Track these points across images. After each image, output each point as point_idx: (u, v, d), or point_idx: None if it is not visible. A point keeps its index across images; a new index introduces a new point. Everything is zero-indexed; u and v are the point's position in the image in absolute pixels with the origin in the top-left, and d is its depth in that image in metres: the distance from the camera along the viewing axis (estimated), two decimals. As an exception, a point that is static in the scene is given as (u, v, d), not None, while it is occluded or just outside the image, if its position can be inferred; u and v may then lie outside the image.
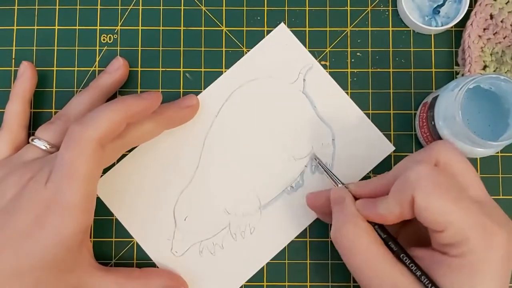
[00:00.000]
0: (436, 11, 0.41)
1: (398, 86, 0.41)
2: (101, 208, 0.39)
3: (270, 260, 0.39)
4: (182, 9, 0.42)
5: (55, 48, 0.41)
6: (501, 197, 0.40)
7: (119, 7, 0.42)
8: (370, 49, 0.41)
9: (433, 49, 0.41)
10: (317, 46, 0.41)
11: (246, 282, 0.39)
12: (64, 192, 0.31)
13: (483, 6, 0.40)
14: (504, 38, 0.40)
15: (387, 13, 0.42)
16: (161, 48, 0.41)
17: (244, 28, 0.41)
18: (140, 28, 0.41)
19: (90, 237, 0.39)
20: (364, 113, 0.41)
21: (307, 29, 0.41)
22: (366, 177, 0.40)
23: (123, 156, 0.40)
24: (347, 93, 0.41)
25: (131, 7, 0.42)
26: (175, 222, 0.40)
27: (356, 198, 0.34)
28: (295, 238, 0.40)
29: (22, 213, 0.32)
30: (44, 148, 0.36)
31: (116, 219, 0.40)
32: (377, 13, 0.42)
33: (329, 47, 0.41)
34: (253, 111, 0.40)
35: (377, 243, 0.31)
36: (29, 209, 0.32)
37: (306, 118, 0.40)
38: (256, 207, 0.40)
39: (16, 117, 0.38)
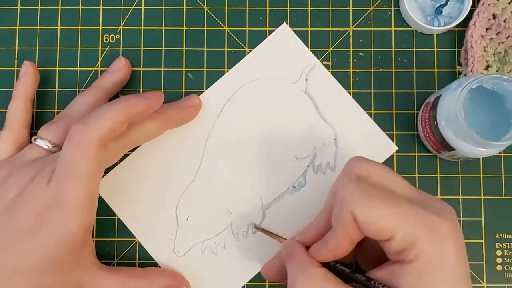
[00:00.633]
0: (438, 11, 0.41)
1: (401, 86, 0.41)
2: (103, 208, 0.40)
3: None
4: (184, 9, 0.42)
5: (58, 48, 0.41)
6: (503, 197, 0.40)
7: (122, 7, 0.42)
8: (372, 49, 0.41)
9: (435, 49, 0.41)
10: (319, 46, 0.41)
11: (248, 282, 0.39)
12: (66, 192, 0.32)
13: (486, 5, 0.40)
14: (507, 38, 0.40)
15: (389, 13, 0.42)
16: (163, 48, 0.41)
17: (246, 28, 0.41)
18: (142, 28, 0.42)
19: (93, 237, 0.39)
20: (367, 113, 0.41)
21: (309, 29, 0.41)
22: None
23: (125, 155, 0.40)
24: (349, 93, 0.41)
25: (133, 7, 0.42)
26: (177, 222, 0.40)
27: (308, 247, 0.33)
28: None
29: (25, 212, 0.32)
30: (46, 147, 0.36)
31: (118, 219, 0.40)
32: (380, 13, 0.42)
33: (331, 47, 0.41)
34: (255, 111, 0.40)
35: (334, 284, 0.30)
36: (32, 208, 0.32)
37: (308, 118, 0.40)
38: (258, 207, 0.40)
39: (19, 117, 0.38)
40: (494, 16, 0.40)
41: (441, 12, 0.41)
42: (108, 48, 0.41)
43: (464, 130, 0.33)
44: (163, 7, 0.42)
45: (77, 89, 0.41)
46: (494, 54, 0.40)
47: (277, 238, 0.37)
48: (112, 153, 0.36)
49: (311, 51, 0.41)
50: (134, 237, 0.40)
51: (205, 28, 0.42)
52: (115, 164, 0.40)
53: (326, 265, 0.31)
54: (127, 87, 0.41)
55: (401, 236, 0.28)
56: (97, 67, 0.41)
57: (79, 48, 0.41)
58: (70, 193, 0.32)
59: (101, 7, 0.42)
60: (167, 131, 0.39)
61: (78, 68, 0.41)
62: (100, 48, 0.41)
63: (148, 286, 0.36)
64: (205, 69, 0.41)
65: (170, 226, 0.39)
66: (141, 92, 0.41)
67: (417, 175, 0.40)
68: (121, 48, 0.41)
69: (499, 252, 0.40)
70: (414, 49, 0.41)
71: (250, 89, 0.41)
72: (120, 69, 0.39)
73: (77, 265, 0.34)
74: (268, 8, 0.42)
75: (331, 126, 0.40)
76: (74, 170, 0.32)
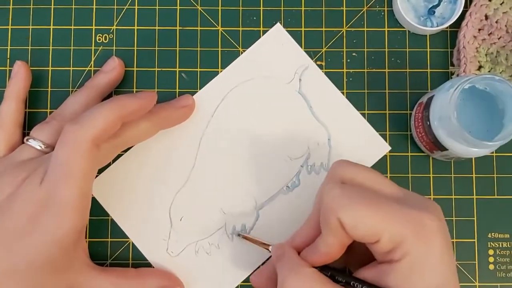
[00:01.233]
0: (431, 11, 0.41)
1: (394, 86, 0.41)
2: (96, 208, 0.39)
3: (266, 260, 0.39)
4: (178, 9, 0.42)
5: (50, 47, 0.41)
6: (496, 197, 0.40)
7: (115, 6, 0.41)
8: (365, 49, 0.41)
9: (428, 50, 0.41)
10: (313, 46, 0.41)
11: (241, 282, 0.39)
12: (59, 192, 0.31)
13: (478, 6, 0.40)
14: (498, 38, 0.40)
15: (382, 13, 0.42)
16: (157, 48, 0.41)
17: (240, 28, 0.41)
18: (135, 28, 0.41)
19: (86, 237, 0.39)
20: (360, 113, 0.41)
21: (303, 29, 0.41)
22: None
23: (119, 156, 0.40)
24: (343, 93, 0.41)
25: (126, 6, 0.42)
26: (170, 222, 0.39)
27: (299, 252, 0.33)
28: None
29: (17, 212, 0.32)
30: (39, 148, 0.35)
31: (112, 219, 0.40)
32: (373, 13, 0.42)
33: (325, 47, 0.41)
34: (249, 111, 0.40)
35: (322, 284, 0.30)
36: (24, 208, 0.32)
37: (302, 118, 0.40)
38: (252, 207, 0.40)
39: (11, 117, 0.37)
40: (487, 17, 0.40)
41: (434, 12, 0.41)
42: (101, 48, 0.41)
43: (457, 130, 0.33)
44: (157, 7, 0.42)
45: (70, 89, 0.41)
46: (486, 55, 0.40)
47: (262, 245, 0.37)
48: (105, 153, 0.35)
49: (305, 51, 0.41)
50: (128, 238, 0.40)
51: (199, 28, 0.41)
52: (109, 164, 0.40)
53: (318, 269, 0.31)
54: (121, 87, 0.41)
55: (387, 236, 0.28)
56: (90, 67, 0.41)
57: (72, 47, 0.41)
58: (63, 193, 0.31)
59: (94, 6, 0.41)
60: (161, 131, 0.39)
61: (71, 68, 0.41)
62: (93, 48, 0.41)
63: (142, 287, 0.36)
64: (198, 69, 0.41)
65: (164, 226, 0.39)
66: (134, 92, 0.41)
67: (410, 175, 0.40)
68: (114, 48, 0.41)
69: (491, 252, 0.40)
70: (407, 50, 0.41)
71: (244, 89, 0.41)
72: (113, 69, 0.39)
73: (69, 266, 0.33)
74: (261, 8, 0.42)
75: (325, 126, 0.40)
76: (66, 171, 0.31)
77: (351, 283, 0.30)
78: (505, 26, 0.40)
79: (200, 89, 0.41)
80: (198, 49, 0.41)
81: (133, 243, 0.39)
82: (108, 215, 0.40)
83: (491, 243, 0.40)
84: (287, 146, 0.40)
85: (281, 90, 0.41)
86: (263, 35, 0.41)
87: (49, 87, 0.41)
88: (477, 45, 0.40)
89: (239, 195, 0.40)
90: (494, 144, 0.33)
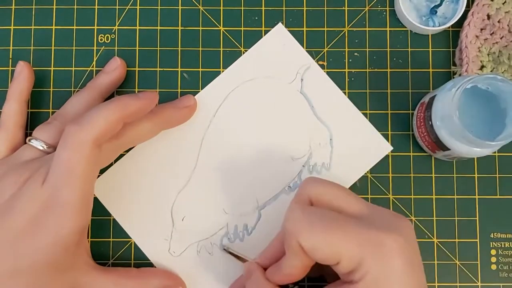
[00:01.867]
0: (433, 11, 0.41)
1: (396, 86, 0.41)
2: (98, 208, 0.39)
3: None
4: (179, 9, 0.42)
5: (53, 48, 0.41)
6: (498, 197, 0.40)
7: (117, 7, 0.42)
8: (367, 49, 0.41)
9: (430, 49, 0.41)
10: (315, 46, 0.41)
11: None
12: (61, 192, 0.31)
13: (480, 6, 0.40)
14: (501, 38, 0.40)
15: (384, 13, 0.42)
16: (158, 48, 0.41)
17: (242, 28, 0.41)
18: (137, 28, 0.41)
19: (88, 237, 0.39)
20: (362, 113, 0.41)
21: (304, 29, 0.41)
22: (363, 177, 0.40)
23: (121, 156, 0.40)
24: (344, 93, 0.41)
25: (128, 7, 0.42)
26: (172, 222, 0.39)
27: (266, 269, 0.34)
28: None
29: (19, 213, 0.32)
30: (41, 148, 0.36)
31: (114, 219, 0.40)
32: (375, 13, 0.42)
33: (326, 47, 0.41)
34: (251, 111, 0.40)
35: None
36: (26, 209, 0.32)
37: (304, 118, 0.40)
38: (253, 207, 0.40)
39: (13, 117, 0.38)
40: (489, 17, 0.40)
41: (436, 12, 0.41)
42: (103, 48, 0.41)
43: (459, 130, 0.33)
44: (158, 7, 0.42)
45: (72, 89, 0.41)
46: (488, 54, 0.40)
47: (241, 259, 0.37)
48: (107, 154, 0.35)
49: (307, 51, 0.41)
50: (130, 238, 0.40)
51: (201, 28, 0.41)
52: (111, 165, 0.40)
53: (285, 286, 0.32)
54: (122, 87, 0.41)
55: (347, 259, 0.28)
56: (92, 67, 0.41)
57: (74, 48, 0.41)
58: (65, 194, 0.31)
59: (96, 7, 0.41)
60: (163, 131, 0.39)
61: (73, 68, 0.41)
62: (95, 48, 0.41)
63: (144, 287, 0.36)
64: (200, 69, 0.41)
65: (166, 226, 0.39)
66: (136, 92, 0.41)
67: (412, 175, 0.40)
68: (116, 48, 0.41)
69: (493, 252, 0.40)
70: (409, 49, 0.41)
71: (246, 89, 0.41)
72: (115, 69, 0.39)
73: (72, 266, 0.33)
74: (263, 8, 0.42)
75: (327, 126, 0.40)
76: (68, 171, 0.32)
77: None
78: (507, 25, 0.40)
79: (202, 89, 0.41)
80: (200, 49, 0.41)
81: (135, 243, 0.40)
82: (110, 215, 0.40)
83: (494, 243, 0.40)
84: (289, 146, 0.40)
85: (283, 90, 0.41)
86: (264, 35, 0.41)
87: (51, 87, 0.41)
88: (479, 44, 0.40)
89: (241, 195, 0.40)
90: (496, 144, 0.33)
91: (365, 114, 0.41)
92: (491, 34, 0.40)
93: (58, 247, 0.32)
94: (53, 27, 0.41)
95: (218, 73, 0.41)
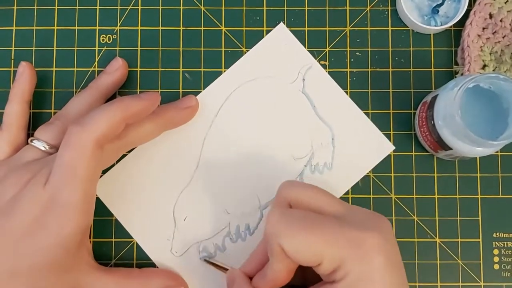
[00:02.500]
0: (435, 10, 0.41)
1: (398, 86, 0.41)
2: (100, 208, 0.39)
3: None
4: (181, 9, 0.42)
5: (54, 48, 0.41)
6: (500, 196, 0.40)
7: (118, 7, 0.42)
8: (369, 49, 0.41)
9: (432, 49, 0.41)
10: (317, 46, 0.41)
11: (246, 282, 0.39)
12: (63, 193, 0.31)
13: (482, 5, 0.40)
14: (503, 37, 0.40)
15: (386, 12, 0.42)
16: (160, 48, 0.41)
17: (244, 28, 0.41)
18: (139, 28, 0.41)
19: (90, 238, 0.39)
20: (364, 112, 0.41)
21: (306, 28, 0.41)
22: (366, 177, 0.40)
23: (123, 156, 0.40)
24: (346, 92, 0.41)
25: (130, 7, 0.42)
26: (174, 222, 0.39)
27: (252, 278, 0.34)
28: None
29: (21, 214, 0.32)
30: (43, 149, 0.36)
31: (116, 220, 0.40)
32: (377, 12, 0.42)
33: (328, 46, 0.41)
34: (253, 111, 0.40)
35: None
36: (28, 210, 0.32)
37: (306, 118, 0.40)
38: (256, 207, 0.40)
39: (16, 118, 0.38)
40: (491, 16, 0.40)
41: (438, 11, 0.41)
42: (104, 48, 0.41)
43: (461, 130, 0.33)
44: (160, 7, 0.42)
45: (74, 90, 0.41)
46: (490, 54, 0.40)
47: (221, 269, 0.37)
48: (109, 155, 0.35)
49: (308, 50, 0.41)
50: (132, 238, 0.40)
51: (202, 28, 0.41)
52: (113, 165, 0.40)
53: None
54: (124, 88, 0.41)
55: (328, 259, 0.29)
56: (94, 67, 0.41)
57: (75, 48, 0.41)
58: (67, 195, 0.31)
59: (97, 7, 0.41)
60: (164, 132, 0.39)
61: (75, 69, 0.41)
62: (96, 48, 0.41)
63: (145, 287, 0.36)
64: (202, 69, 0.41)
65: (168, 226, 0.39)
66: (138, 93, 0.41)
67: (414, 174, 0.40)
68: (117, 48, 0.41)
69: (496, 251, 0.40)
70: (411, 49, 0.41)
71: (247, 89, 0.41)
72: (117, 69, 0.39)
73: (74, 267, 0.34)
74: (265, 8, 0.42)
75: (328, 125, 0.40)
76: (70, 172, 0.32)
77: None
78: (510, 25, 0.40)
79: (203, 89, 0.41)
80: (202, 49, 0.41)
81: (137, 243, 0.40)
82: (112, 215, 0.40)
83: (496, 242, 0.40)
84: (291, 146, 0.40)
85: (285, 90, 0.41)
86: (266, 35, 0.41)
87: (53, 87, 0.41)
88: (481, 44, 0.40)
89: (243, 195, 0.40)
90: (498, 143, 0.33)
91: (367, 114, 0.41)
92: (493, 33, 0.40)
93: (59, 248, 0.32)
94: (55, 27, 0.41)
95: (220, 73, 0.41)
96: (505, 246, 0.40)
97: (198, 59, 0.41)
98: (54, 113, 0.41)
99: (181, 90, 0.41)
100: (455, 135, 0.34)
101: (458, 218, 0.40)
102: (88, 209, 0.33)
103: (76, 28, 0.41)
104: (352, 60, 0.41)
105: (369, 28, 0.41)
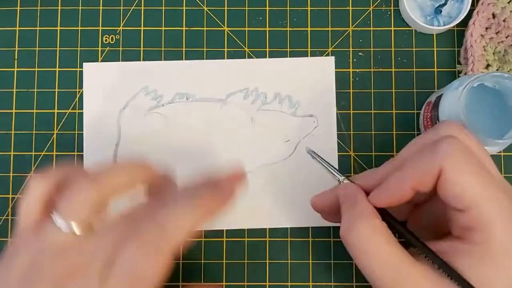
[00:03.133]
0: (438, 10, 0.41)
1: (400, 86, 0.41)
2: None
3: (272, 260, 0.39)
4: (184, 10, 0.42)
5: (58, 48, 0.41)
6: (504, 196, 0.40)
7: (121, 7, 0.42)
8: (372, 49, 0.41)
9: (435, 49, 0.41)
10: (319, 46, 0.41)
11: (248, 282, 0.39)
12: None
13: (486, 5, 0.40)
14: (506, 37, 0.40)
15: (389, 12, 0.42)
16: (163, 49, 0.41)
17: (246, 28, 0.41)
18: (142, 28, 0.41)
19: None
20: (367, 112, 0.41)
21: (309, 29, 0.41)
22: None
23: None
24: (349, 92, 0.41)
25: (133, 7, 0.42)
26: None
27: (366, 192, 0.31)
28: (297, 238, 0.39)
29: None
30: (69, 231, 0.27)
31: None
32: (379, 12, 0.42)
33: (331, 47, 0.41)
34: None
35: (392, 243, 0.28)
36: None
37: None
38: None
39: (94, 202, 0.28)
40: (494, 16, 0.40)
41: (441, 11, 0.41)
42: (108, 48, 0.41)
43: (466, 129, 0.33)
44: (163, 8, 0.42)
45: (77, 90, 0.41)
46: (494, 53, 0.40)
47: (330, 172, 0.33)
48: None
49: (311, 51, 0.41)
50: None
51: (205, 29, 0.41)
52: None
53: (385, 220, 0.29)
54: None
55: (477, 212, 0.26)
56: (97, 67, 0.41)
57: (78, 48, 0.41)
58: None
59: (100, 7, 0.41)
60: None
61: (78, 69, 0.41)
62: (100, 48, 0.41)
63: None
64: (205, 70, 0.41)
65: None
66: (141, 92, 0.41)
67: (418, 174, 0.40)
68: (121, 48, 0.41)
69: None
70: (414, 49, 0.41)
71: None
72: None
73: None
74: (267, 8, 0.42)
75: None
76: (137, 283, 0.26)
77: (418, 246, 0.28)
78: (513, 24, 0.40)
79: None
80: (204, 49, 0.41)
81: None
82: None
83: (500, 242, 0.40)
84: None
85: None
86: (268, 35, 0.41)
87: (56, 88, 0.41)
88: (485, 43, 0.40)
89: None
90: (504, 141, 0.33)
91: (369, 114, 0.41)
92: (496, 33, 0.40)
93: None
94: (58, 28, 0.41)
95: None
96: (509, 246, 0.40)
97: (201, 59, 0.41)
98: (58, 113, 0.40)
99: (184, 90, 0.41)
100: (460, 134, 0.34)
101: (462, 218, 0.40)
102: None
103: (79, 28, 0.41)
104: (354, 60, 0.41)
105: (371, 28, 0.41)
